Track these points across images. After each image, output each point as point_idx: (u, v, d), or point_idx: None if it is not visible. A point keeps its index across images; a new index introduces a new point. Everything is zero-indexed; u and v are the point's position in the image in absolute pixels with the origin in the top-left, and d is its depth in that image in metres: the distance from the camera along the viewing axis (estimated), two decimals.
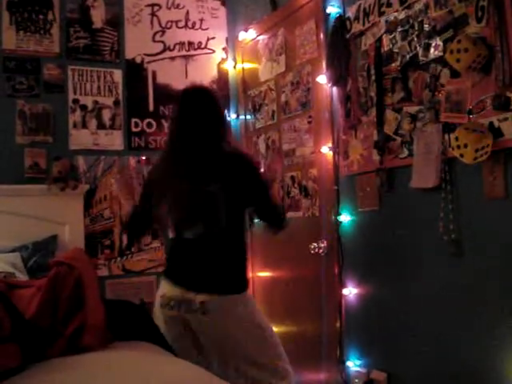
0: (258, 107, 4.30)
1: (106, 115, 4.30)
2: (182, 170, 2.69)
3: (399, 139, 2.93)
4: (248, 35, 4.38)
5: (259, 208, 2.79)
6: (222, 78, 4.71)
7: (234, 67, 4.63)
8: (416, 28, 2.81)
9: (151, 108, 4.46)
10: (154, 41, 4.53)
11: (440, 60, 2.66)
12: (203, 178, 2.65)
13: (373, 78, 3.10)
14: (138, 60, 4.45)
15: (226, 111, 2.94)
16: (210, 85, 4.64)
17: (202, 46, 4.69)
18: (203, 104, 2.77)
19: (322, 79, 3.49)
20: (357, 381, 3.22)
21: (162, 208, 2.74)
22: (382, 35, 3.05)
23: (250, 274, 3.96)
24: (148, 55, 4.49)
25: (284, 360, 2.75)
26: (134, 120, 4.39)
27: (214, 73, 4.70)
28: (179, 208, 2.70)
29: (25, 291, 2.40)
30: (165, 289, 2.73)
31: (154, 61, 4.51)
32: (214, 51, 4.73)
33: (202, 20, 4.70)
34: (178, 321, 2.70)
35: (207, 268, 2.66)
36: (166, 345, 2.56)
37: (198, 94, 2.82)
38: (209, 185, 2.63)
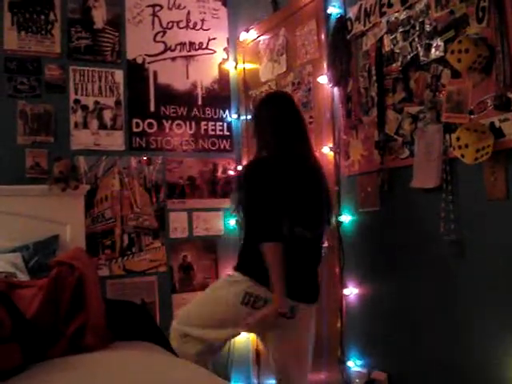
0: None
1: (107, 115, 4.30)
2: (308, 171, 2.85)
3: (400, 139, 2.93)
4: (249, 36, 4.38)
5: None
6: (223, 78, 4.71)
7: (235, 67, 4.63)
8: (417, 28, 2.81)
9: (152, 108, 4.46)
10: (155, 41, 4.53)
11: (441, 60, 2.66)
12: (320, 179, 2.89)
13: (374, 78, 3.10)
14: (139, 60, 4.45)
15: None
16: (211, 85, 4.64)
17: (203, 46, 4.69)
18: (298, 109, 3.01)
19: (323, 79, 3.50)
20: (357, 381, 3.22)
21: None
22: (383, 35, 3.05)
23: None
24: (149, 55, 4.49)
25: None
26: (135, 120, 4.39)
27: (215, 73, 4.70)
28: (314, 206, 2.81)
29: (26, 291, 2.40)
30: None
31: (155, 61, 4.51)
32: (215, 51, 4.73)
33: (203, 20, 4.70)
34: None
35: (310, 277, 2.85)
36: (167, 344, 2.57)
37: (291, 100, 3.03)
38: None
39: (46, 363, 2.06)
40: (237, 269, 2.82)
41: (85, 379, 1.89)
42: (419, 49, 2.81)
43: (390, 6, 2.98)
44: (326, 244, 3.14)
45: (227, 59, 4.73)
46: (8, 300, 2.12)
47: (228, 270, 4.33)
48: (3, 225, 3.67)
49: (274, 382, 3.05)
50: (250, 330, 3.03)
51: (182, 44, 4.62)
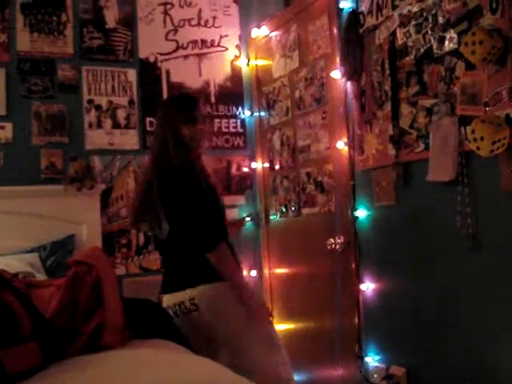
0: (272, 104, 4.30)
1: (121, 115, 4.31)
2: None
3: (415, 133, 2.91)
4: (261, 32, 4.38)
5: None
6: (236, 75, 4.70)
7: (248, 64, 4.63)
8: (430, 21, 2.80)
9: None
10: (167, 39, 4.53)
11: (455, 53, 2.65)
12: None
13: (387, 72, 3.08)
14: (152, 59, 4.46)
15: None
16: (224, 82, 4.64)
17: (215, 43, 4.69)
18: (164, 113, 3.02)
19: (336, 74, 3.49)
20: (376, 376, 3.22)
21: None
22: (395, 29, 3.03)
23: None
24: (161, 54, 4.49)
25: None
26: (148, 119, 4.39)
27: (227, 70, 4.69)
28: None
29: (44, 291, 2.41)
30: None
31: (168, 59, 4.51)
32: (227, 49, 4.72)
33: (214, 18, 4.70)
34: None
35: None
36: (184, 342, 2.57)
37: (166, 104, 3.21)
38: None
39: (65, 362, 2.07)
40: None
41: (103, 378, 1.90)
42: (432, 41, 2.79)
43: None
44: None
45: (239, 56, 4.72)
46: (27, 300, 2.13)
47: (243, 266, 4.35)
48: (20, 225, 3.70)
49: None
50: None
51: (194, 42, 4.62)
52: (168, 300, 2.82)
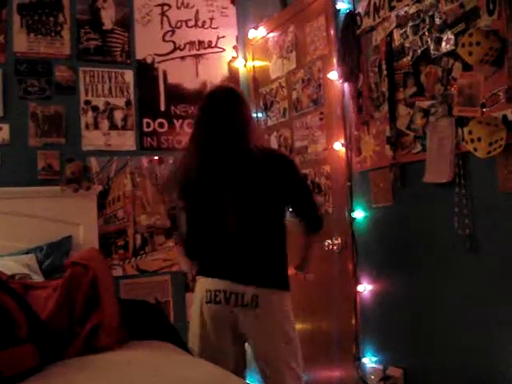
0: (269, 105, 4.30)
1: (118, 116, 4.31)
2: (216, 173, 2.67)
3: (412, 134, 2.91)
4: (258, 33, 4.38)
5: (298, 205, 2.82)
6: (233, 76, 4.71)
7: (245, 65, 4.63)
8: (427, 22, 2.80)
9: (163, 108, 4.47)
10: (164, 41, 4.53)
11: (452, 54, 2.65)
12: (237, 178, 2.66)
13: (384, 73, 3.08)
14: (149, 60, 4.46)
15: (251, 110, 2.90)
16: (221, 83, 4.64)
17: (213, 44, 4.69)
18: (227, 106, 2.73)
19: (333, 75, 3.48)
20: (373, 377, 3.21)
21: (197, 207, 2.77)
22: (392, 30, 3.03)
23: None
24: (158, 55, 4.49)
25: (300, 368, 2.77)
26: (145, 120, 4.40)
27: (224, 71, 4.70)
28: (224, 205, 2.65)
29: (41, 292, 2.41)
30: (210, 284, 2.69)
31: (165, 61, 4.51)
32: (224, 50, 4.72)
33: (211, 19, 4.70)
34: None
35: (253, 261, 2.67)
36: (182, 343, 2.57)
37: (220, 96, 2.79)
38: (242, 183, 2.66)
39: (62, 364, 2.07)
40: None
41: (100, 379, 1.89)
42: (429, 42, 2.79)
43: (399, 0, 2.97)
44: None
45: (236, 57, 4.72)
46: (23, 301, 2.13)
47: None
48: (17, 226, 3.69)
49: None
50: None
51: (191, 43, 4.62)
52: (220, 285, 2.67)
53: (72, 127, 4.12)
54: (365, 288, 3.31)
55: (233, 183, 2.64)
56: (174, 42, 4.56)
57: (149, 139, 4.39)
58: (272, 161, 2.72)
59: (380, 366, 3.19)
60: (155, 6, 4.52)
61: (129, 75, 4.37)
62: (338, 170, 3.51)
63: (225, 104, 2.73)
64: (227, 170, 2.65)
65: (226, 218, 2.62)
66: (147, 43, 4.45)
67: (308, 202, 2.82)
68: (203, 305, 2.68)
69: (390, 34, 3.05)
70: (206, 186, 2.67)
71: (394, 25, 3.02)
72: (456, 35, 2.62)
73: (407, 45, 2.94)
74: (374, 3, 3.14)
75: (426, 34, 2.81)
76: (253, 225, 2.65)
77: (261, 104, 4.40)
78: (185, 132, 4.48)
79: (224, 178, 2.64)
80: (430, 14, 2.77)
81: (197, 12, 4.66)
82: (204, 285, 2.71)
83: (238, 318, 2.64)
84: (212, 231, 2.72)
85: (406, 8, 2.92)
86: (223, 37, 4.73)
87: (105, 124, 4.25)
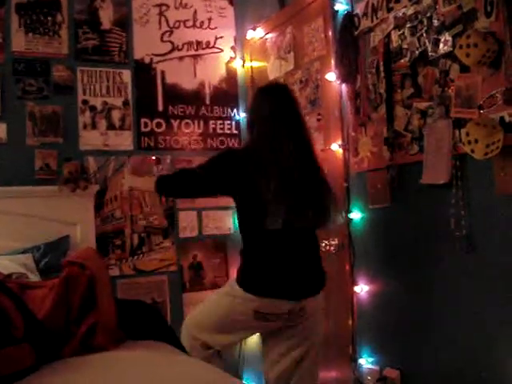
0: None
1: (116, 116, 4.31)
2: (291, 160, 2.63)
3: (409, 135, 2.92)
4: (256, 34, 4.38)
5: None
6: (231, 76, 4.71)
7: (243, 66, 4.63)
8: (425, 23, 2.80)
9: (160, 108, 4.47)
10: (162, 41, 4.53)
11: (449, 55, 2.65)
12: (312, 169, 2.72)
13: (382, 74, 3.09)
14: (147, 60, 4.46)
15: None
16: (219, 83, 4.65)
17: (211, 45, 4.69)
18: (294, 101, 2.82)
19: (331, 76, 3.49)
20: (369, 378, 3.22)
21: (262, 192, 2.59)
22: (390, 31, 3.04)
23: None
24: (156, 55, 4.49)
25: None
26: (143, 120, 4.39)
27: (222, 72, 4.70)
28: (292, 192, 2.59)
29: (37, 292, 2.41)
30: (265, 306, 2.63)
31: (163, 61, 4.51)
32: (222, 50, 4.73)
33: (210, 19, 4.70)
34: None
35: (313, 268, 2.77)
36: (178, 344, 2.57)
37: (287, 91, 2.85)
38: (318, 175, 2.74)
39: (58, 363, 2.07)
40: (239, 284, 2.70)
41: (96, 379, 1.89)
42: (427, 44, 2.79)
43: (398, 1, 2.97)
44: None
45: (234, 58, 4.73)
46: (20, 301, 2.13)
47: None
48: (13, 226, 3.69)
49: None
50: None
51: (189, 43, 4.62)
52: (281, 306, 2.63)
53: (70, 127, 4.12)
54: (362, 289, 3.31)
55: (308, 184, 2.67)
56: (172, 42, 4.56)
57: (146, 139, 4.39)
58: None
59: (376, 367, 3.20)
60: (153, 6, 4.52)
61: (127, 75, 4.37)
62: (335, 171, 3.50)
63: (291, 98, 2.83)
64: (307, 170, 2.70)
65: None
66: (145, 43, 4.45)
67: None
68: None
69: (388, 36, 3.05)
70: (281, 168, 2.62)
71: (391, 26, 3.03)
72: (454, 37, 2.62)
73: (405, 46, 2.94)
74: (372, 4, 3.15)
75: (424, 35, 2.81)
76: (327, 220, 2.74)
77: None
78: (182, 132, 4.48)
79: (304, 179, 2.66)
80: (428, 15, 2.78)
81: (195, 12, 4.66)
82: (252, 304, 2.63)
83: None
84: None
85: (404, 9, 2.93)
86: (221, 37, 4.73)
87: (102, 124, 4.25)
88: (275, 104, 2.75)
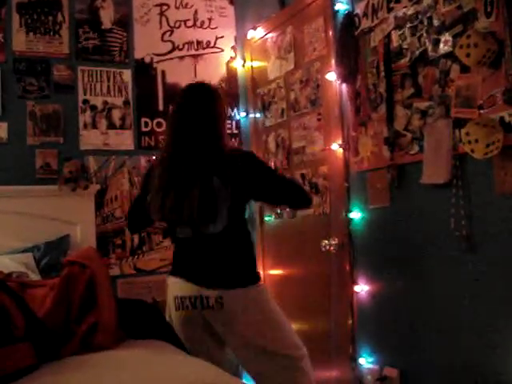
0: (267, 105, 4.30)
1: (116, 115, 4.31)
2: (182, 169, 2.64)
3: (409, 135, 2.92)
4: (256, 33, 4.38)
5: (273, 196, 2.82)
6: (231, 76, 4.71)
7: (243, 66, 4.63)
8: (425, 23, 2.80)
9: (161, 107, 4.47)
10: (162, 40, 4.54)
11: (450, 55, 2.65)
12: (204, 175, 2.62)
13: (382, 74, 3.09)
14: (147, 60, 4.46)
15: (226, 109, 2.92)
16: (219, 83, 4.65)
17: (211, 44, 4.69)
18: (199, 102, 2.75)
19: (331, 76, 3.49)
20: (369, 378, 3.22)
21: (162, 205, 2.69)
22: (390, 31, 3.04)
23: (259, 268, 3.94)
24: (157, 55, 4.50)
25: (300, 348, 2.78)
26: (143, 119, 4.40)
27: (222, 71, 4.70)
28: (185, 205, 2.62)
29: (38, 291, 2.41)
30: (177, 289, 2.74)
31: (163, 60, 4.52)
32: (222, 50, 4.73)
33: (210, 19, 4.71)
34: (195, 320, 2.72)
35: (220, 263, 2.68)
36: (179, 343, 2.57)
37: (193, 92, 2.81)
38: (211, 181, 2.61)
39: (58, 362, 2.07)
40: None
41: (97, 378, 1.89)
42: (427, 44, 2.79)
43: (398, 1, 2.97)
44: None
45: (235, 57, 4.73)
46: (20, 300, 2.13)
47: None
48: (14, 225, 3.69)
49: None
50: None
51: (190, 43, 4.63)
52: (188, 290, 2.69)
53: (70, 126, 4.13)
54: (362, 288, 3.31)
55: (201, 181, 2.62)
56: (172, 42, 4.56)
57: (147, 138, 4.39)
58: (238, 158, 2.69)
59: (376, 367, 3.20)
60: (154, 5, 4.52)
61: (127, 75, 4.37)
62: (335, 171, 3.51)
63: (196, 99, 2.75)
64: (196, 167, 2.63)
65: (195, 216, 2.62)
66: (146, 43, 4.46)
67: (282, 191, 2.78)
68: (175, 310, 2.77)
69: (388, 36, 3.05)
70: (175, 182, 2.65)
71: (392, 26, 3.03)
72: (454, 37, 2.63)
73: (405, 46, 2.94)
74: (373, 4, 3.15)
75: (424, 35, 2.81)
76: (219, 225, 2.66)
77: (259, 104, 4.40)
78: None
79: (193, 175, 2.63)
80: (428, 15, 2.78)
81: (195, 12, 4.66)
82: (174, 289, 2.77)
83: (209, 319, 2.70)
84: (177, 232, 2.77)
85: (404, 9, 2.93)
86: (222, 37, 4.73)
87: (103, 123, 4.25)
88: (176, 108, 2.84)
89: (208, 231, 2.65)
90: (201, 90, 2.80)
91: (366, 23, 3.21)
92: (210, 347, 2.75)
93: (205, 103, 2.74)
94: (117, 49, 4.35)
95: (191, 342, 2.69)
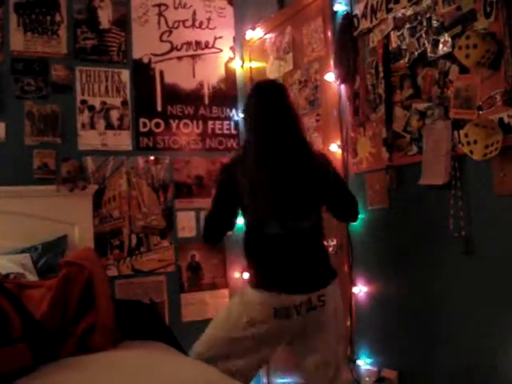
0: None
1: (114, 115, 4.30)
2: (274, 165, 2.65)
3: (408, 136, 2.92)
4: (255, 34, 4.38)
5: (336, 205, 2.86)
6: (230, 77, 4.70)
7: (242, 66, 4.62)
8: (424, 24, 2.80)
9: (159, 108, 4.46)
10: (161, 40, 4.53)
11: (449, 56, 2.65)
12: (295, 174, 2.66)
13: (381, 75, 3.09)
14: (146, 60, 4.45)
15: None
16: (218, 84, 4.64)
17: (210, 45, 4.69)
18: (284, 99, 2.78)
19: (330, 77, 3.49)
20: (367, 379, 3.22)
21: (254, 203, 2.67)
22: (389, 32, 3.04)
23: None
24: (155, 55, 4.49)
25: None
26: (141, 120, 4.39)
27: (221, 72, 4.70)
28: (283, 199, 2.64)
29: (35, 291, 2.41)
30: (274, 299, 2.62)
31: (162, 61, 4.51)
32: (221, 50, 4.72)
33: (209, 19, 4.70)
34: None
35: (313, 262, 2.70)
36: (175, 344, 2.56)
37: (276, 89, 2.82)
38: (301, 180, 2.66)
39: (55, 363, 2.07)
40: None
41: (94, 379, 1.89)
42: (426, 45, 2.79)
43: (397, 2, 2.97)
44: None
45: (233, 58, 4.72)
46: (17, 301, 2.13)
47: (236, 270, 4.34)
48: (11, 226, 3.68)
49: (284, 380, 3.02)
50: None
51: (188, 43, 4.62)
52: (296, 299, 2.61)
53: (68, 126, 4.11)
54: (360, 290, 3.31)
55: (298, 177, 2.67)
56: (171, 42, 4.55)
57: (145, 139, 4.38)
58: (322, 157, 2.80)
59: (375, 368, 3.19)
60: (152, 5, 4.51)
61: (125, 75, 4.36)
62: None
63: (277, 97, 2.77)
64: (293, 163, 2.67)
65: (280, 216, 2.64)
66: (144, 43, 4.45)
67: (345, 202, 2.87)
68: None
69: (387, 36, 3.05)
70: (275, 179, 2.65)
71: (391, 27, 3.03)
72: (453, 38, 2.62)
73: (404, 47, 2.94)
74: (372, 5, 3.15)
75: (423, 36, 2.81)
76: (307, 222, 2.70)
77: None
78: (181, 132, 4.48)
79: (291, 171, 2.66)
80: (427, 16, 2.78)
81: (194, 12, 4.65)
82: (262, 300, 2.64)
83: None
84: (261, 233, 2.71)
85: (403, 10, 2.93)
86: (220, 37, 4.73)
87: (101, 124, 4.24)
88: (260, 105, 2.77)
89: (300, 227, 2.67)
90: (277, 88, 2.84)
91: (364, 24, 3.21)
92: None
93: (285, 100, 2.78)
94: (115, 49, 4.34)
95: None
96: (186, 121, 4.51)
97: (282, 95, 2.78)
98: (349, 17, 3.32)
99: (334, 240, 3.44)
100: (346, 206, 2.87)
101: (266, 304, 2.60)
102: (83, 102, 4.20)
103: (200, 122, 4.56)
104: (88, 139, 4.19)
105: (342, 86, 3.43)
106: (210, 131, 4.59)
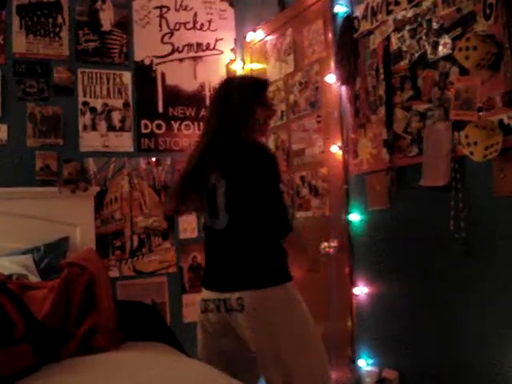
0: None
1: (116, 117, 4.32)
2: (208, 162, 2.55)
3: (409, 138, 2.92)
4: (256, 36, 4.38)
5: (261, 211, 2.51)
6: None
7: (243, 68, 4.63)
8: (424, 26, 2.81)
9: (160, 109, 4.48)
10: (162, 42, 4.54)
11: (449, 58, 2.66)
12: (220, 169, 2.52)
13: (381, 76, 3.09)
14: (147, 62, 4.47)
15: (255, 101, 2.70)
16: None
17: (211, 47, 4.70)
18: (223, 94, 2.67)
19: (331, 79, 3.49)
20: (368, 380, 3.22)
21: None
22: (390, 34, 3.04)
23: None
24: (157, 57, 4.50)
25: (324, 368, 2.64)
26: (143, 122, 4.40)
27: (222, 74, 4.70)
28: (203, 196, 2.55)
29: (37, 292, 2.42)
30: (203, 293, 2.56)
31: (163, 62, 4.52)
32: (222, 52, 4.74)
33: (210, 21, 4.71)
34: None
35: (234, 264, 2.50)
36: (177, 345, 2.57)
37: (221, 85, 2.74)
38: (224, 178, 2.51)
39: (58, 364, 2.08)
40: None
41: (96, 380, 1.90)
42: (427, 47, 2.80)
43: (397, 4, 2.98)
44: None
45: (235, 60, 4.73)
46: (20, 301, 2.14)
47: None
48: (14, 227, 3.70)
49: None
50: None
51: (190, 45, 4.63)
52: (212, 295, 2.49)
53: (70, 128, 4.13)
54: (361, 290, 3.31)
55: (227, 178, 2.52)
56: (172, 44, 4.57)
57: (146, 141, 4.40)
58: (252, 155, 2.54)
59: (375, 369, 3.20)
60: (154, 8, 4.53)
61: (127, 77, 4.38)
62: (334, 173, 3.51)
63: (221, 92, 2.69)
64: (221, 162, 2.52)
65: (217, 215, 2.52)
66: (146, 45, 4.47)
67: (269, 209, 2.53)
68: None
69: (388, 38, 3.06)
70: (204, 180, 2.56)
71: (391, 29, 3.03)
72: (453, 39, 2.63)
73: (404, 49, 2.95)
74: (372, 7, 3.16)
75: (424, 38, 2.82)
76: (241, 223, 2.51)
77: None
78: (182, 134, 4.49)
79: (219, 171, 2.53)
80: (428, 18, 2.79)
81: (195, 14, 4.67)
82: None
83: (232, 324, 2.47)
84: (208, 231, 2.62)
85: (404, 12, 2.94)
86: (221, 39, 4.74)
87: (102, 125, 4.26)
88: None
89: (215, 227, 2.54)
90: (225, 84, 2.76)
91: (365, 26, 3.22)
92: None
93: (226, 96, 2.69)
94: (117, 51, 4.36)
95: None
96: (187, 122, 4.53)
97: (222, 91, 2.70)
98: (349, 19, 3.33)
99: (335, 241, 3.44)
100: (269, 220, 2.53)
101: (200, 296, 2.56)
102: (85, 103, 4.21)
103: (201, 124, 4.57)
104: (90, 141, 4.20)
105: (343, 88, 3.43)
106: None
